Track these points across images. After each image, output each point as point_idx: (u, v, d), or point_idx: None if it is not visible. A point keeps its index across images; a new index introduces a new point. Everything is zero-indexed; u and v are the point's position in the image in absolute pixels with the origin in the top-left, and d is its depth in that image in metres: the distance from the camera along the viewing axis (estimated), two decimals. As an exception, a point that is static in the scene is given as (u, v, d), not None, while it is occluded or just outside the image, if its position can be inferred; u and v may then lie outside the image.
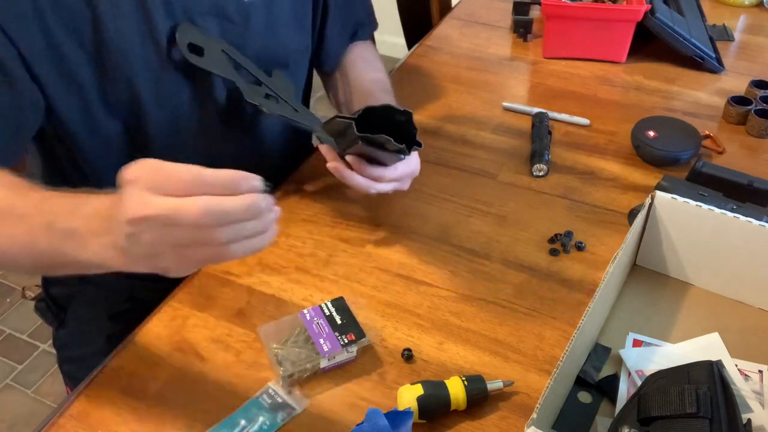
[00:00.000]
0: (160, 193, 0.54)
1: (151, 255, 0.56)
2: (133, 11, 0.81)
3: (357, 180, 0.88)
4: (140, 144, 0.91)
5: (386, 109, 0.86)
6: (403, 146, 0.82)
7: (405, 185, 0.93)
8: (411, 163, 0.91)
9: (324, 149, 0.91)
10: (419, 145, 0.85)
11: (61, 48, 0.79)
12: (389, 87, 1.05)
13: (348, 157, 0.88)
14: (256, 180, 0.56)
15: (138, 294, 1.05)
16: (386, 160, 0.87)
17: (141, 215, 0.54)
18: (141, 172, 0.55)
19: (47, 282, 1.11)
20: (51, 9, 0.77)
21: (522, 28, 1.40)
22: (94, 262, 0.61)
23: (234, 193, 0.54)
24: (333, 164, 0.89)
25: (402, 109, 0.85)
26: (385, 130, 0.82)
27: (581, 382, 0.76)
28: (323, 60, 1.11)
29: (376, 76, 1.08)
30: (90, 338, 1.05)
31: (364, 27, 1.16)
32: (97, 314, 1.05)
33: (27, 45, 0.77)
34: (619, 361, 0.78)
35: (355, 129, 0.82)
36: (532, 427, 0.61)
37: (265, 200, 0.56)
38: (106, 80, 0.83)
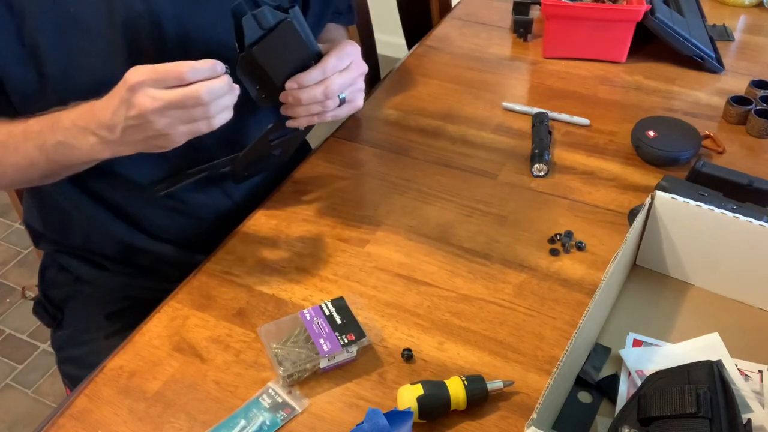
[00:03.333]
0: (163, 87, 0.72)
1: (153, 137, 0.75)
2: None
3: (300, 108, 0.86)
4: None
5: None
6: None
7: (355, 98, 0.89)
8: (342, 55, 0.86)
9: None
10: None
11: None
12: None
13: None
14: (221, 65, 0.75)
15: (133, 293, 1.05)
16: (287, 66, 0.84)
17: (156, 107, 0.72)
18: (142, 75, 0.71)
19: (44, 284, 1.11)
20: None
21: (522, 28, 1.40)
22: (84, 160, 0.81)
23: (214, 76, 0.74)
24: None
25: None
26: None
27: (581, 382, 0.76)
28: None
29: None
30: (87, 338, 1.05)
31: (340, 17, 1.14)
32: (93, 314, 1.05)
33: None
34: (619, 361, 0.78)
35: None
36: (532, 427, 0.61)
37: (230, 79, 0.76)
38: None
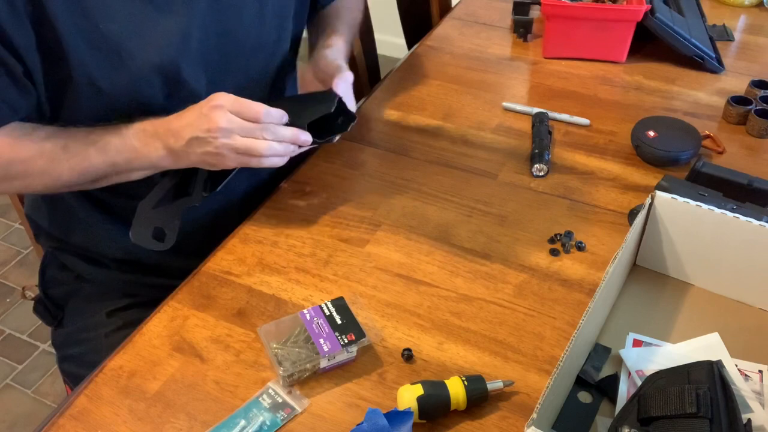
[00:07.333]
0: (239, 116, 0.81)
1: (210, 154, 0.83)
2: None
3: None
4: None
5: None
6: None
7: None
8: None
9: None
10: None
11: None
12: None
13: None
14: (286, 117, 0.85)
15: (133, 291, 1.06)
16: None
17: (227, 127, 0.81)
18: (227, 100, 0.81)
19: (44, 283, 1.11)
20: None
21: (522, 28, 1.40)
22: (144, 165, 0.86)
23: (280, 123, 0.84)
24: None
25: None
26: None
27: (581, 382, 0.76)
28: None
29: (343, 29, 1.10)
30: (87, 336, 1.05)
31: None
32: (93, 312, 1.05)
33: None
34: (619, 361, 0.78)
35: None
36: (532, 427, 0.61)
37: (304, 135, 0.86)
38: None
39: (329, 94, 0.92)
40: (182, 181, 0.92)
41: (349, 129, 0.93)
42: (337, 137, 0.94)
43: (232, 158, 0.83)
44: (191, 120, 0.82)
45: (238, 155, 0.83)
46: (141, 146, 0.84)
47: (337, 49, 1.03)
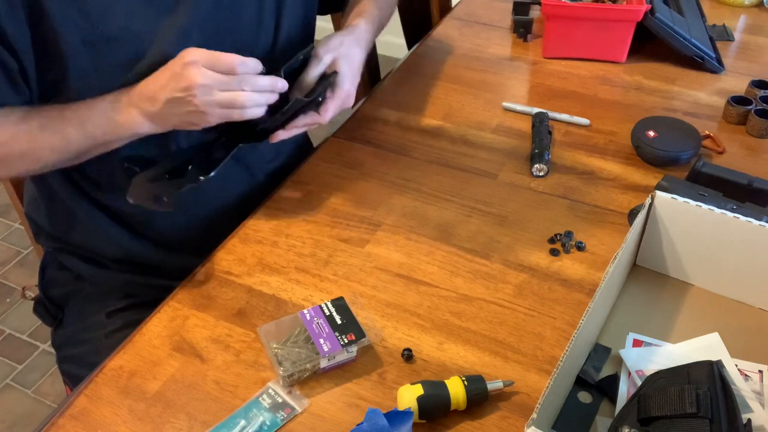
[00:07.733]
0: (213, 70, 0.79)
1: (191, 113, 0.81)
2: None
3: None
4: None
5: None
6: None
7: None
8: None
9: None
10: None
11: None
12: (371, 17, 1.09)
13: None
14: (262, 66, 0.83)
15: (133, 291, 1.06)
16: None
17: (204, 83, 0.78)
18: (198, 55, 0.79)
19: (44, 283, 1.11)
20: None
21: (522, 28, 1.40)
22: (122, 134, 0.85)
23: (256, 73, 0.83)
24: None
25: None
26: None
27: (581, 382, 0.76)
28: None
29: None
30: (87, 336, 1.05)
31: None
32: (93, 312, 1.05)
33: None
34: (619, 361, 0.78)
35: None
36: (532, 427, 0.61)
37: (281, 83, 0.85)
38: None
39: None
40: (177, 169, 0.91)
41: (311, 56, 0.94)
42: (321, 100, 0.94)
43: (214, 114, 0.82)
44: (165, 81, 0.80)
45: (220, 110, 0.82)
46: (118, 117, 0.84)
47: (347, 30, 1.01)
